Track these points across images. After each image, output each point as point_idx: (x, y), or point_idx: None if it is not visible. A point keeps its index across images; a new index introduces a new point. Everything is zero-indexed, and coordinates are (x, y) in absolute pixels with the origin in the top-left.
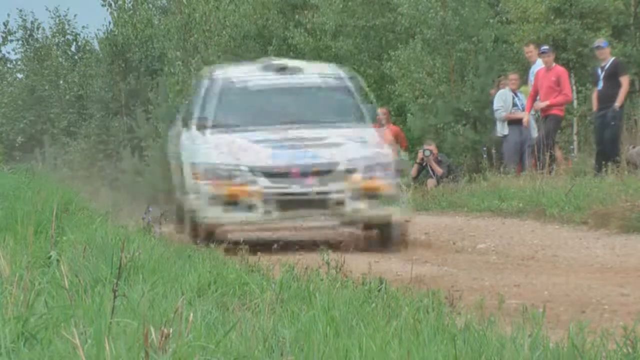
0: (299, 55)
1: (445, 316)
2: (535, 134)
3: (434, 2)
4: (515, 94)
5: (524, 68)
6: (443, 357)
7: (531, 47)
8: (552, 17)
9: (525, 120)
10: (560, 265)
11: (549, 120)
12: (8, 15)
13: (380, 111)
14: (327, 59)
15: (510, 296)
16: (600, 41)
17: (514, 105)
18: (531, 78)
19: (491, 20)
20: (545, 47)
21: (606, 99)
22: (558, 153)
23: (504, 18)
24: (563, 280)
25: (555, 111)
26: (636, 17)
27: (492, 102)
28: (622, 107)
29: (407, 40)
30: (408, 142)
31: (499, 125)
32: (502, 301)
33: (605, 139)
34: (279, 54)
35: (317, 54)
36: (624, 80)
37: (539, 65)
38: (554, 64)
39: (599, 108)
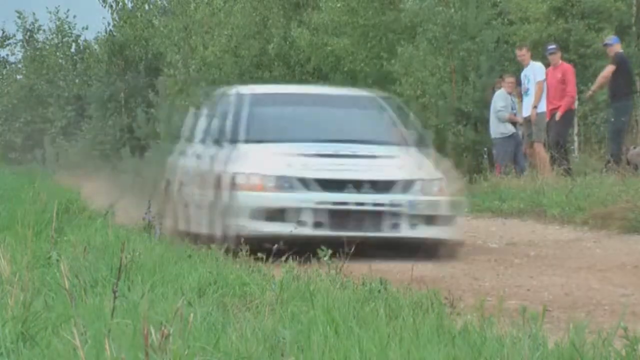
0: (299, 52)
1: (445, 317)
2: (520, 134)
3: (437, 0)
4: (510, 96)
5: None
6: (443, 358)
7: (524, 50)
8: (554, 18)
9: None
10: (561, 266)
11: (559, 119)
12: (4, 22)
13: None
14: (323, 56)
15: (511, 297)
16: (608, 38)
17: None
18: (524, 81)
19: (494, 22)
20: (552, 46)
21: (610, 94)
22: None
23: (505, 19)
24: (564, 280)
25: (561, 110)
26: (638, 17)
27: (491, 102)
28: (626, 102)
29: (408, 39)
30: None
31: (500, 126)
32: (502, 302)
33: (608, 135)
34: (280, 52)
35: (313, 51)
36: (606, 68)
37: (531, 67)
38: (560, 62)
39: (609, 103)
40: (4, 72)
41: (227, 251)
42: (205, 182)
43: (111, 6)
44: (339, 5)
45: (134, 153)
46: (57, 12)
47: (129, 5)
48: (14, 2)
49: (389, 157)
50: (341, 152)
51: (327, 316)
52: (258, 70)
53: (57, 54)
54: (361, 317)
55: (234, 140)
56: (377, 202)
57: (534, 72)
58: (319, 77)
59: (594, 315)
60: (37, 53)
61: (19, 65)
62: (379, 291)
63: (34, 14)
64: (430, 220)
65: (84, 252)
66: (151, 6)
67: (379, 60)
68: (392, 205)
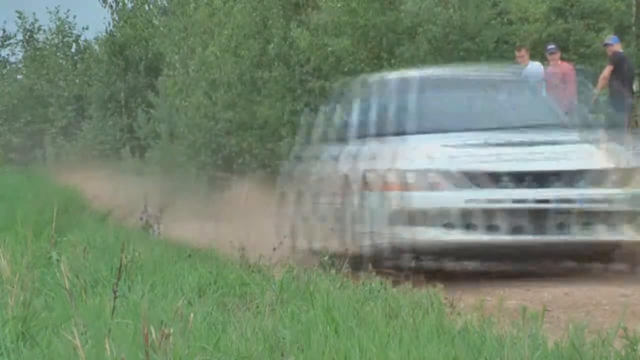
0: (299, 52)
1: (445, 317)
2: None
3: (437, 1)
4: None
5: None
6: (443, 358)
7: (522, 51)
8: (554, 18)
9: None
10: (561, 266)
11: None
12: (5, 22)
13: None
14: (324, 57)
15: (510, 297)
16: (608, 38)
17: None
18: None
19: (493, 22)
20: (552, 46)
21: (609, 93)
22: None
23: (505, 19)
24: (564, 280)
25: (561, 109)
26: (638, 17)
27: None
28: (624, 101)
29: (409, 39)
30: None
31: None
32: (502, 302)
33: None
34: (280, 52)
35: (313, 51)
36: (606, 69)
37: (530, 68)
38: (560, 62)
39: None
40: (4, 72)
41: (355, 265)
42: (330, 187)
43: (111, 6)
44: (339, 5)
45: (134, 153)
46: (57, 12)
47: (129, 5)
48: (14, 2)
49: (569, 143)
50: (492, 141)
51: (327, 316)
52: (258, 70)
53: (58, 54)
54: (361, 317)
55: (362, 135)
56: (563, 198)
57: (533, 72)
58: (319, 77)
59: (594, 315)
60: (38, 53)
61: (19, 65)
62: (379, 291)
63: (34, 14)
64: (631, 217)
65: (84, 252)
66: (151, 6)
67: (379, 61)
68: (582, 201)
